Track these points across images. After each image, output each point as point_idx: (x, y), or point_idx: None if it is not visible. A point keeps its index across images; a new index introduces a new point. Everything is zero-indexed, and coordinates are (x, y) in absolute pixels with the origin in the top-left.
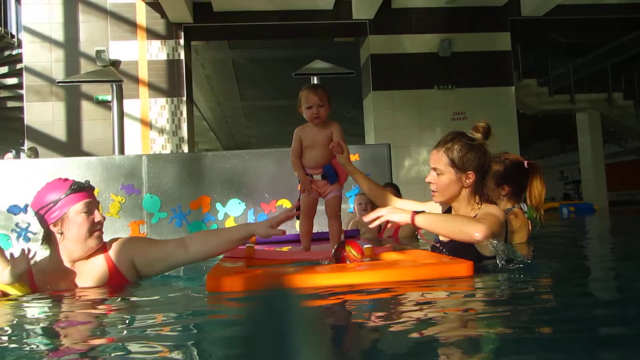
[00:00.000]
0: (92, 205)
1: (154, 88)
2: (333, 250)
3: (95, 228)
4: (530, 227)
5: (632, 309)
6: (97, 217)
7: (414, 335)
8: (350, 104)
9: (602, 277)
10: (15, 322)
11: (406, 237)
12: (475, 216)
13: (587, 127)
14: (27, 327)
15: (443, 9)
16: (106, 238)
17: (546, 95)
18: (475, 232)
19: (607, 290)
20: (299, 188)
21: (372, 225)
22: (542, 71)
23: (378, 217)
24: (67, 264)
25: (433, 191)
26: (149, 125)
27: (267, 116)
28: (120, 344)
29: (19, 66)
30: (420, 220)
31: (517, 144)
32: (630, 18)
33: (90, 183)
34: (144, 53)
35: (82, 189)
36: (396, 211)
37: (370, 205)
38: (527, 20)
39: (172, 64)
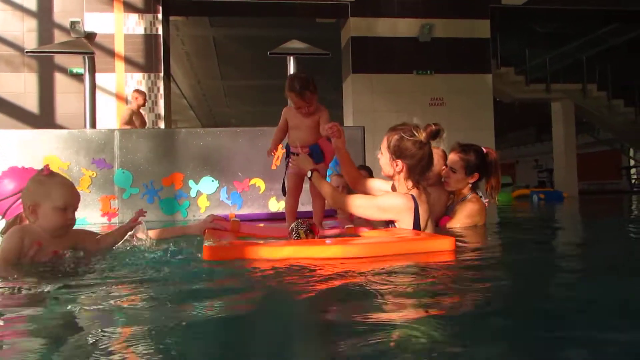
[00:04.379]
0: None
1: (130, 63)
2: (296, 227)
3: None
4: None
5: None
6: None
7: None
8: (331, 87)
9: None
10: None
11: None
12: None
13: (561, 117)
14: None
15: None
16: (77, 212)
17: (522, 84)
18: (329, 201)
19: (565, 269)
20: (271, 163)
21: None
22: (520, 60)
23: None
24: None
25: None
26: (125, 100)
27: (248, 96)
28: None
29: None
30: (313, 177)
31: (492, 131)
32: (608, 10)
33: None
34: (120, 26)
35: None
36: (303, 160)
37: (347, 187)
38: (507, 8)
39: (149, 39)
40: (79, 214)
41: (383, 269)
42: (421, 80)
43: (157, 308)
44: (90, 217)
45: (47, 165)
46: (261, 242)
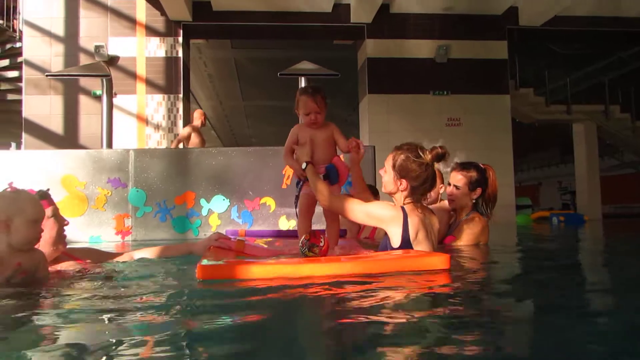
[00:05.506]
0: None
1: (151, 84)
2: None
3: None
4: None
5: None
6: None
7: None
8: (350, 107)
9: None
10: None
11: (382, 238)
12: None
13: (583, 138)
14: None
15: (441, 16)
16: (92, 230)
17: (542, 105)
18: (318, 197)
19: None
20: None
21: None
22: (541, 81)
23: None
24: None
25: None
26: (145, 121)
27: (269, 116)
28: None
29: (19, 59)
30: (307, 170)
31: (510, 152)
32: (630, 32)
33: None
34: (142, 50)
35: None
36: (302, 152)
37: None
38: (525, 29)
39: (170, 61)
40: (94, 232)
41: (377, 286)
42: (438, 101)
43: (147, 324)
44: (105, 235)
45: (11, 183)
46: (255, 260)
